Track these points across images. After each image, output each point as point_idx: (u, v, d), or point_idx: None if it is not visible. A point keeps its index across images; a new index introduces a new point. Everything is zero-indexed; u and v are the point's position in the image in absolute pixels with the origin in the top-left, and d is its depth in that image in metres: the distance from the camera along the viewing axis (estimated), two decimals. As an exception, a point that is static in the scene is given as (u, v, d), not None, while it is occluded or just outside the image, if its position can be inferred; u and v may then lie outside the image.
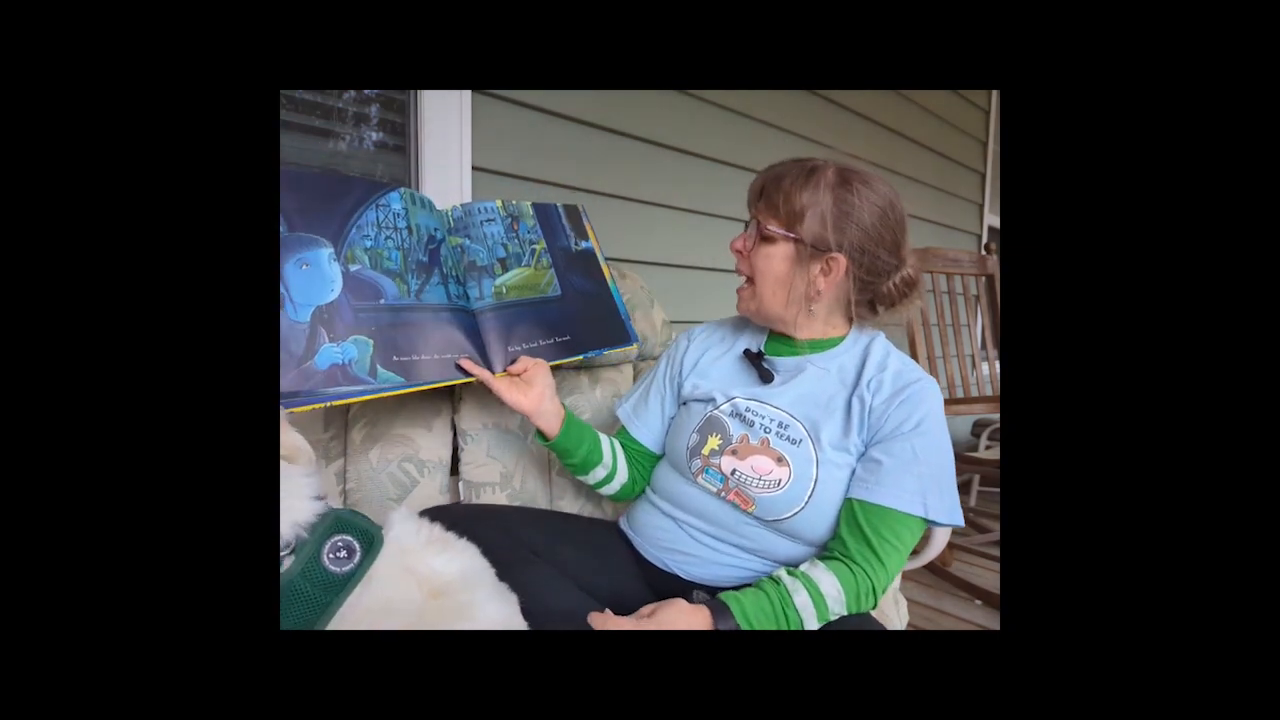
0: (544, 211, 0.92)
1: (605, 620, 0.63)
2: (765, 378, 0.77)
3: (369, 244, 0.73)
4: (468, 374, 0.77)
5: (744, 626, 0.62)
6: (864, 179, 0.73)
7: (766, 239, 0.74)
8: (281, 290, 0.66)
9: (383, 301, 0.72)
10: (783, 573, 0.67)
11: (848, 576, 0.65)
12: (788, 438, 0.71)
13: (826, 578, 0.65)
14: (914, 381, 0.71)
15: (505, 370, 0.81)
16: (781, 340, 0.81)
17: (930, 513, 0.66)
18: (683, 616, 0.62)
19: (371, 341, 0.71)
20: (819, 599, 0.64)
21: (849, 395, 0.72)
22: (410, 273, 0.76)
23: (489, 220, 0.86)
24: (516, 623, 0.61)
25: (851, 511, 0.68)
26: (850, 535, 0.67)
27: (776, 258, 0.74)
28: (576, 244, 0.94)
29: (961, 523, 0.70)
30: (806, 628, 0.64)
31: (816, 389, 0.74)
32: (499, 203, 0.87)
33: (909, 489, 0.66)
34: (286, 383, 0.64)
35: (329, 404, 0.67)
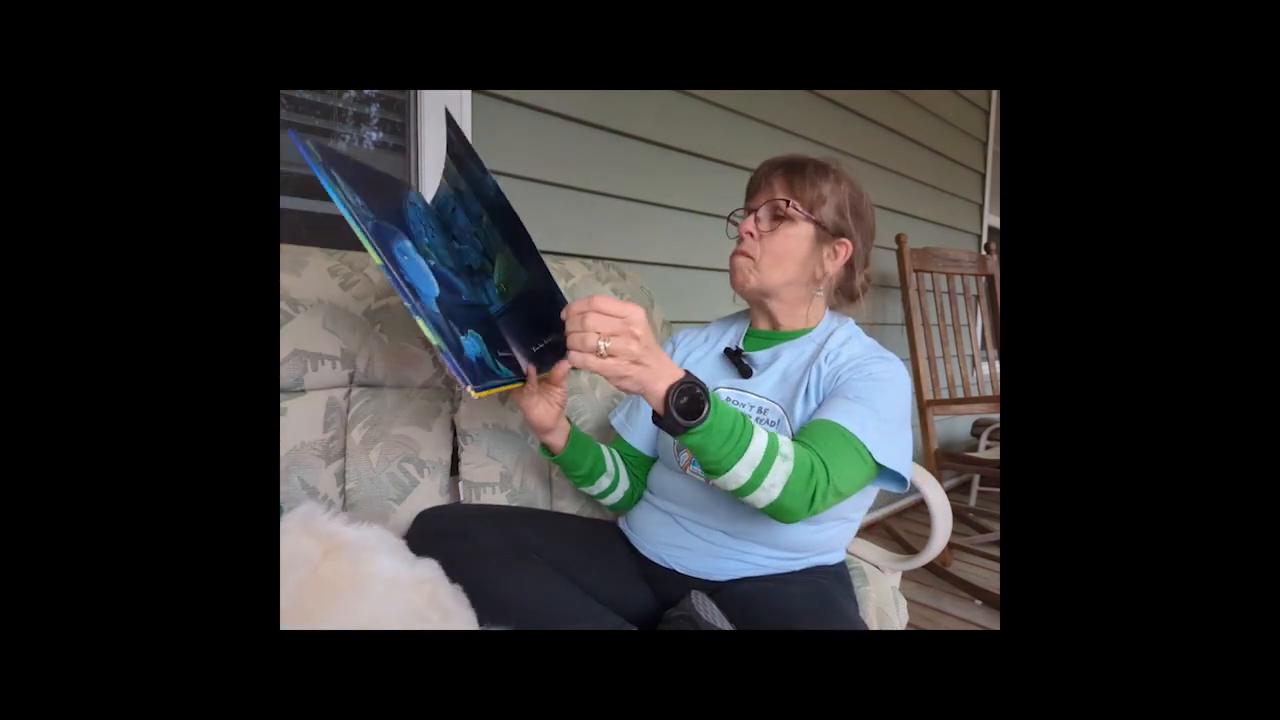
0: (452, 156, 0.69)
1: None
2: (745, 373, 0.81)
3: (426, 240, 0.64)
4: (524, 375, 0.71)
5: (712, 409, 0.57)
6: (858, 179, 0.81)
7: (787, 219, 0.77)
8: (405, 280, 0.57)
9: (464, 298, 0.65)
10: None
11: (800, 444, 0.63)
12: (766, 420, 0.75)
13: (783, 436, 0.64)
14: (872, 354, 0.75)
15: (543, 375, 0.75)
16: (760, 335, 0.85)
17: (866, 441, 0.64)
18: (666, 369, 0.56)
19: (479, 335, 0.64)
20: (773, 435, 0.61)
21: (811, 366, 0.76)
22: (462, 273, 0.69)
23: (455, 208, 0.71)
24: (405, 574, 0.58)
25: (798, 435, 0.67)
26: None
27: (796, 238, 0.77)
28: (492, 186, 0.66)
29: (908, 474, 0.68)
30: (754, 440, 0.59)
31: (790, 371, 0.78)
32: (444, 181, 0.71)
33: (843, 411, 0.67)
34: (459, 368, 0.57)
35: (500, 389, 0.61)
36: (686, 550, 0.78)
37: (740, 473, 0.59)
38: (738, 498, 0.62)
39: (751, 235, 0.79)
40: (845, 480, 0.63)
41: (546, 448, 0.81)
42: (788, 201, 0.76)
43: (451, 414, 0.92)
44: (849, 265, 0.80)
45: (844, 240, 0.78)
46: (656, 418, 0.58)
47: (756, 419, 0.75)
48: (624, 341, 0.54)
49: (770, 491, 0.60)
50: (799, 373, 0.77)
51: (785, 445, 0.61)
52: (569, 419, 0.83)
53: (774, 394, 0.77)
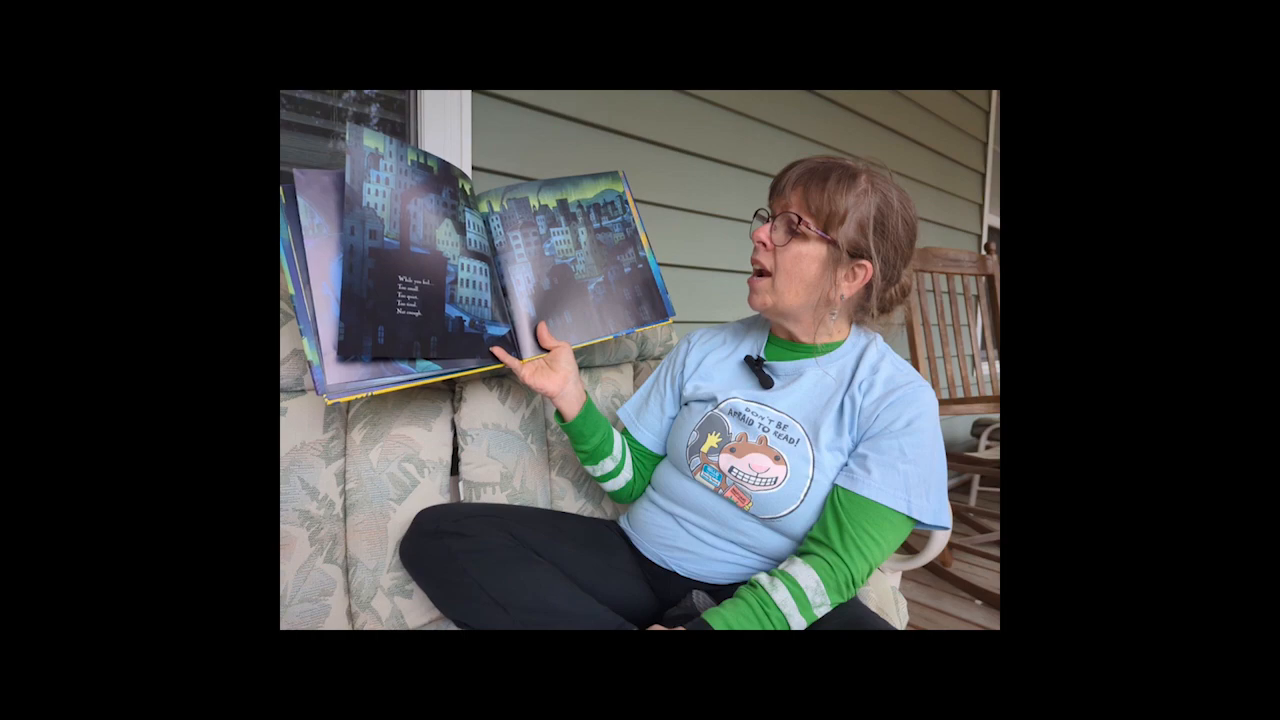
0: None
1: None
2: (765, 383, 0.78)
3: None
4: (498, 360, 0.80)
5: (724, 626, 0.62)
6: (895, 188, 0.73)
7: (800, 236, 0.72)
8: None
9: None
10: (761, 575, 0.67)
11: (825, 569, 0.65)
12: (786, 437, 0.72)
13: (805, 572, 0.65)
14: (905, 384, 0.71)
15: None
16: (782, 344, 0.82)
17: (914, 511, 0.66)
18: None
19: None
20: (799, 593, 0.64)
21: (843, 395, 0.73)
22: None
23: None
24: None
25: (835, 498, 0.68)
26: (832, 522, 0.67)
27: (808, 258, 0.72)
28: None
29: (948, 525, 0.69)
30: (792, 624, 0.64)
31: (815, 391, 0.75)
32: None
33: (893, 485, 0.66)
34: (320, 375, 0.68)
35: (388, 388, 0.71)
36: (688, 554, 0.77)
37: (795, 622, 0.65)
38: None
39: (765, 245, 0.74)
40: (881, 556, 0.67)
41: (560, 413, 0.84)
42: (799, 218, 0.71)
43: (452, 414, 0.93)
44: (869, 286, 0.74)
45: (863, 262, 0.72)
46: None
47: (775, 433, 0.72)
48: None
49: (822, 614, 0.66)
50: (825, 395, 0.74)
51: (814, 593, 0.64)
52: (587, 394, 0.85)
53: (796, 411, 0.74)
